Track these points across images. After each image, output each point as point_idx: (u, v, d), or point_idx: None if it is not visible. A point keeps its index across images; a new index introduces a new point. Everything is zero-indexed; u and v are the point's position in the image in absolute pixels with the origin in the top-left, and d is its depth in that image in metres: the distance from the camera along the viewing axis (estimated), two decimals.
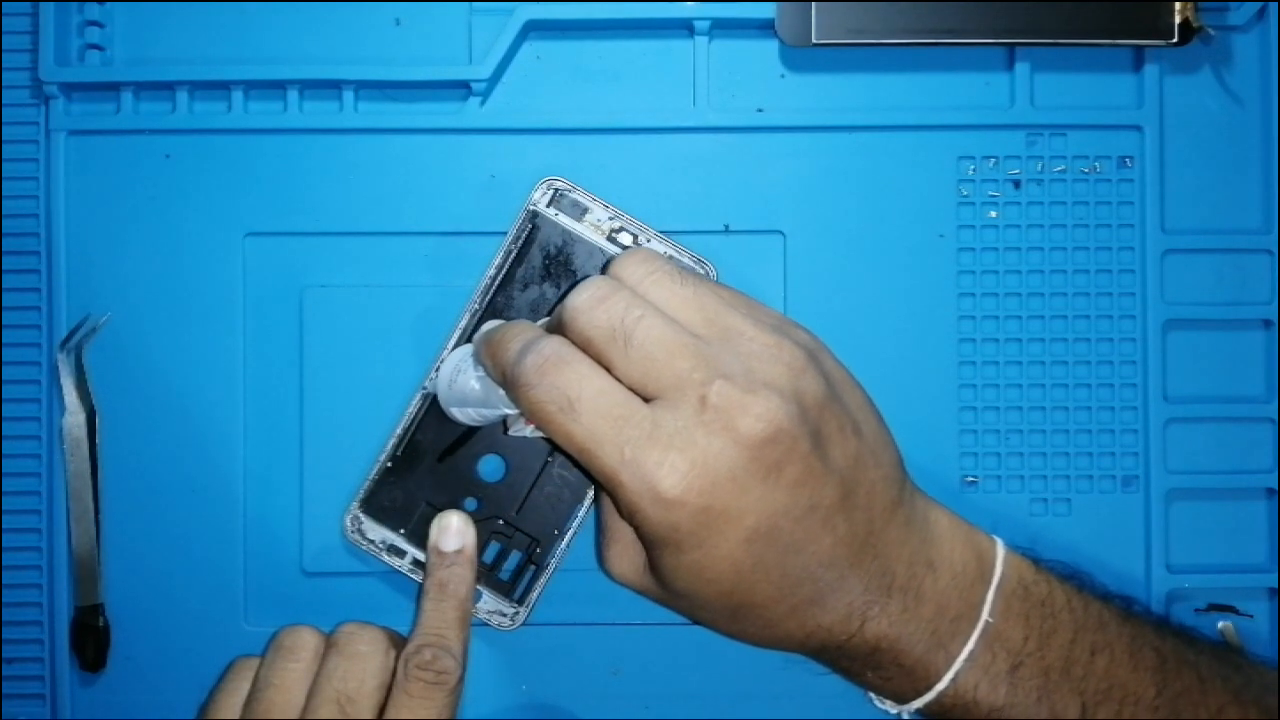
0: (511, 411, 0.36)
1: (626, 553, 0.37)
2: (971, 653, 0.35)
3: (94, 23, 0.43)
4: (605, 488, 0.33)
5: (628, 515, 0.33)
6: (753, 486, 0.32)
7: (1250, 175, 0.43)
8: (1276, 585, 0.42)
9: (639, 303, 0.33)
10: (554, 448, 0.40)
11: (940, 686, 0.35)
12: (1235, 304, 0.43)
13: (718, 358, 0.33)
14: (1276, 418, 0.43)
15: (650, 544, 0.34)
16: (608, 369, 0.33)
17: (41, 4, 0.42)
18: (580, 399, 0.32)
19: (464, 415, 0.39)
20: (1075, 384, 0.43)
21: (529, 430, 0.36)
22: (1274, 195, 0.43)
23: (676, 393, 0.32)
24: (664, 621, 0.42)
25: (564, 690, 0.42)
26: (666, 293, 0.34)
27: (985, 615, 0.35)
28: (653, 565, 0.35)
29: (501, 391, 0.36)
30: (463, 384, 0.38)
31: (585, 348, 0.33)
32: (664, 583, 0.35)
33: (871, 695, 0.38)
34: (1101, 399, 0.43)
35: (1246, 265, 0.43)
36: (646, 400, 0.33)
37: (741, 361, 0.33)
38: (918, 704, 0.36)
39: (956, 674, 0.35)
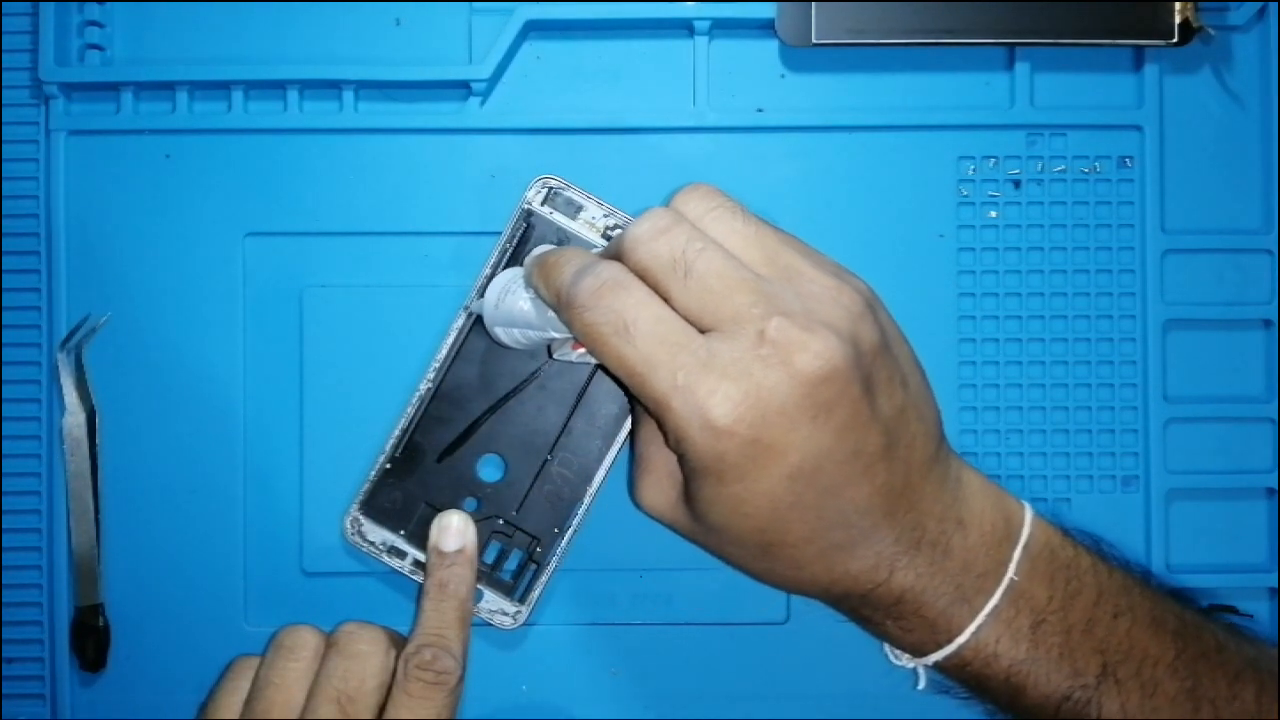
0: (559, 335, 0.36)
1: (660, 484, 0.37)
2: (995, 608, 0.35)
3: (94, 23, 0.43)
4: (653, 413, 0.33)
5: (674, 442, 0.33)
6: (802, 424, 0.32)
7: (1250, 175, 0.43)
8: (1276, 585, 0.42)
9: (700, 236, 0.33)
10: (603, 371, 0.40)
11: (961, 640, 0.35)
12: (1235, 304, 0.43)
13: (778, 295, 0.33)
14: (1276, 418, 0.43)
15: (692, 473, 0.34)
16: (664, 299, 0.33)
17: (41, 4, 0.42)
18: (636, 323, 0.32)
19: (508, 336, 0.38)
20: (1075, 384, 0.43)
21: (575, 355, 0.36)
22: (1274, 195, 0.43)
23: (734, 325, 0.32)
24: (664, 622, 0.42)
25: (564, 690, 0.42)
26: (728, 229, 0.34)
27: (1011, 573, 0.35)
28: (690, 496, 0.35)
29: (551, 314, 0.36)
30: (510, 304, 0.38)
31: (643, 276, 0.33)
32: (698, 515, 0.35)
33: (888, 649, 0.38)
34: (1101, 399, 0.43)
35: (1246, 265, 0.43)
36: (702, 332, 0.33)
37: (801, 301, 0.33)
38: (937, 656, 0.36)
39: (979, 628, 0.35)
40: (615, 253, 0.34)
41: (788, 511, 0.33)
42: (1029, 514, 0.37)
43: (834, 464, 0.33)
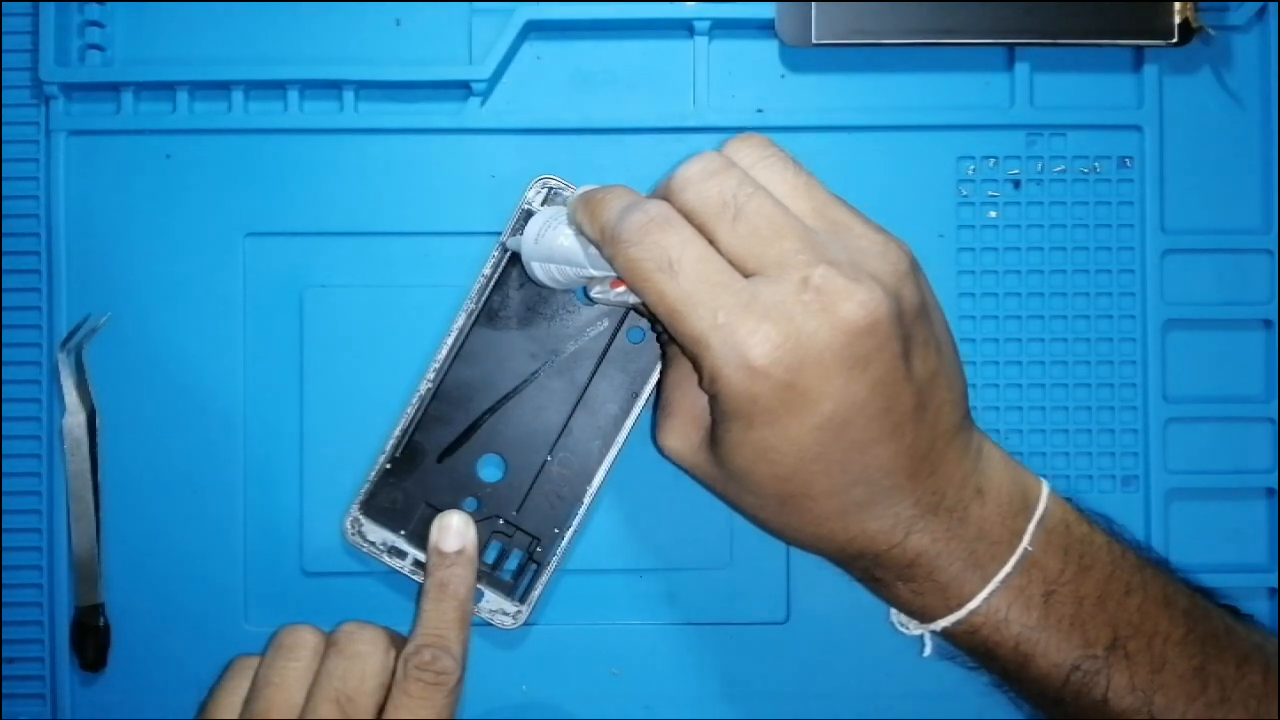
0: (598, 273, 0.36)
1: (684, 428, 0.37)
2: (1008, 576, 0.35)
3: (94, 23, 0.43)
4: (690, 352, 0.33)
5: (708, 381, 0.33)
6: (838, 374, 0.32)
7: (1250, 175, 0.43)
8: (1276, 585, 0.42)
9: (752, 181, 0.34)
10: (637, 313, 0.40)
11: (973, 605, 0.35)
12: (1235, 304, 0.43)
13: (825, 245, 0.33)
14: (1276, 418, 0.43)
15: (722, 415, 0.34)
16: (710, 241, 0.33)
17: (41, 4, 0.42)
18: (681, 261, 0.32)
19: (544, 272, 0.38)
20: (1075, 384, 0.43)
21: (614, 293, 0.36)
22: (1274, 195, 0.43)
23: (779, 270, 0.32)
24: (664, 622, 0.42)
25: (564, 690, 0.42)
26: (779, 178, 0.34)
27: (1025, 544, 0.35)
28: (716, 440, 0.35)
29: (592, 250, 0.36)
30: (551, 239, 0.37)
31: (690, 218, 0.33)
32: (722, 460, 0.35)
33: (894, 616, 0.38)
34: (1101, 399, 0.43)
35: (1246, 265, 0.43)
36: (746, 276, 0.33)
37: (848, 253, 0.33)
38: (946, 622, 0.36)
39: (990, 594, 0.35)
40: (663, 193, 0.34)
41: (813, 463, 0.33)
42: (1045, 489, 0.37)
43: (864, 418, 0.33)
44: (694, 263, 0.32)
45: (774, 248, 0.32)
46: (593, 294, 0.37)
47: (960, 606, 0.35)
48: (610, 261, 0.34)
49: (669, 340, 0.38)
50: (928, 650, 0.38)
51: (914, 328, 0.33)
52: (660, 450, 0.38)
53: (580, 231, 0.36)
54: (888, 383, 0.33)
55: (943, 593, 0.35)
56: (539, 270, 0.38)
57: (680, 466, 0.37)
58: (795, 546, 0.37)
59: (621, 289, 0.35)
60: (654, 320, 0.39)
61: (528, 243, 0.38)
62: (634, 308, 0.39)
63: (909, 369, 0.33)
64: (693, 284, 0.32)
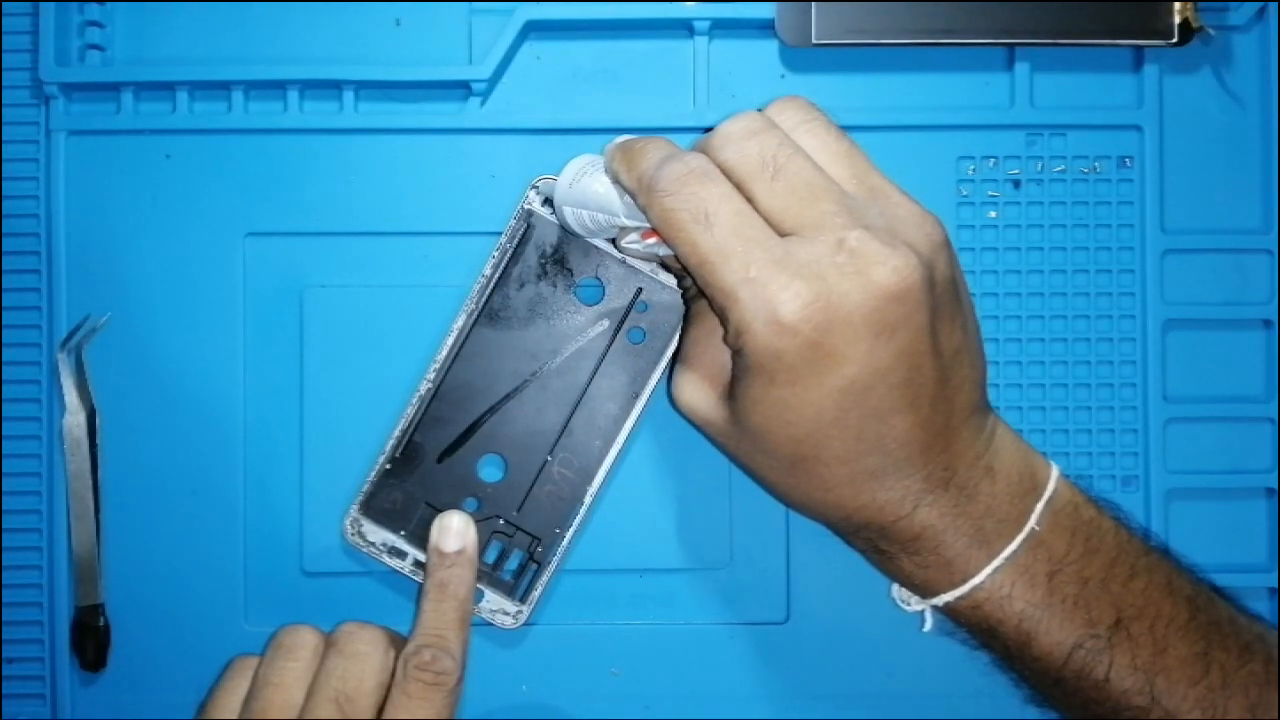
0: (630, 222, 0.36)
1: (701, 383, 0.37)
2: (1013, 553, 0.35)
3: (94, 23, 0.43)
4: (718, 304, 0.33)
5: (734, 335, 0.33)
6: (864, 338, 0.32)
7: (1250, 175, 0.43)
8: (1276, 585, 0.42)
9: (792, 143, 0.34)
10: (664, 269, 0.40)
11: (976, 580, 0.35)
12: (1235, 304, 0.43)
13: (862, 210, 0.33)
14: (1276, 418, 0.43)
15: (744, 370, 0.34)
16: (747, 199, 0.33)
17: (41, 4, 0.42)
18: (717, 214, 0.32)
19: (574, 218, 0.38)
20: (1075, 384, 0.43)
21: (644, 244, 0.36)
22: (1274, 195, 0.43)
23: (815, 231, 0.32)
24: (664, 622, 0.42)
25: (564, 690, 0.42)
26: (820, 143, 0.34)
27: (1032, 523, 0.35)
28: (735, 396, 0.35)
29: (627, 199, 0.35)
30: (586, 185, 0.37)
31: (728, 174, 0.33)
32: (738, 416, 0.35)
33: (895, 591, 0.38)
34: (1101, 399, 0.43)
35: (1246, 265, 0.43)
36: (781, 236, 0.33)
37: (885, 220, 0.33)
38: (949, 596, 0.36)
39: (995, 570, 0.35)
40: (702, 149, 0.34)
41: (830, 426, 0.33)
42: (1055, 472, 0.37)
43: (886, 386, 0.33)
44: (730, 216, 0.32)
45: (811, 209, 0.33)
46: (623, 244, 0.37)
47: (964, 582, 0.35)
48: (645, 211, 0.34)
49: (695, 296, 0.38)
50: (928, 626, 0.38)
51: (943, 300, 0.34)
52: (675, 405, 0.38)
53: (616, 180, 0.36)
54: (912, 353, 0.33)
55: (947, 568, 0.35)
56: (570, 216, 0.38)
57: (694, 422, 0.37)
58: (801, 513, 0.37)
59: (653, 240, 0.35)
60: (681, 276, 0.39)
61: (561, 187, 0.38)
62: (663, 261, 0.39)
63: (935, 342, 0.33)
64: (727, 237, 0.32)
